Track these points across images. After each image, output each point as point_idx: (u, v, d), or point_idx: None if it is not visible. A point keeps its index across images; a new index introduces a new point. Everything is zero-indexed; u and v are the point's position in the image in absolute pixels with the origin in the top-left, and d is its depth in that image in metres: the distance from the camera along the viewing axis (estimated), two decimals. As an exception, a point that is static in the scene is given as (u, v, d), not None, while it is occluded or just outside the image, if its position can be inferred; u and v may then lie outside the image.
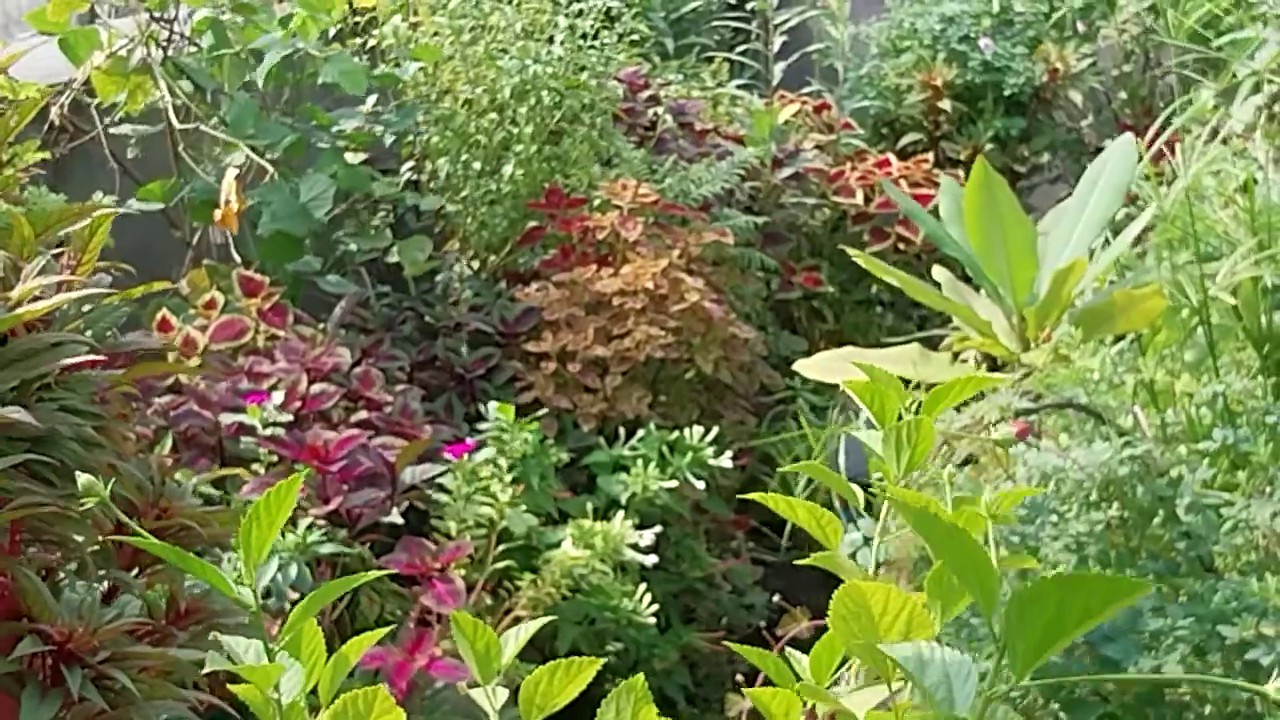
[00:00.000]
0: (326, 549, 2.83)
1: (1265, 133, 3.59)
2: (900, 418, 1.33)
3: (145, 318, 3.44)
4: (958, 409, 2.94)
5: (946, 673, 0.90)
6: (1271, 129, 3.68)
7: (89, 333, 1.58)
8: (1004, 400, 2.68)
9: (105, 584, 1.59)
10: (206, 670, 0.98)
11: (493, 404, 3.32)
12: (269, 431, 3.04)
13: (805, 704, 1.23)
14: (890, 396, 1.33)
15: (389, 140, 4.11)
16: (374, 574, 1.11)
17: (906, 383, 1.38)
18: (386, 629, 1.22)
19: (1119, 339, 3.20)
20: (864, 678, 1.32)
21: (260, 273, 3.58)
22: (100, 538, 1.54)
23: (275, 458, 3.00)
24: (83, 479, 1.00)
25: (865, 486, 1.45)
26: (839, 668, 1.23)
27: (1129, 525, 2.47)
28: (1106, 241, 3.43)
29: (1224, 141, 3.45)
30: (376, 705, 1.07)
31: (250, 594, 0.97)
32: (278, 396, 3.12)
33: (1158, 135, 3.59)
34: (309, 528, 2.84)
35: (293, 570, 2.76)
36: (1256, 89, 3.58)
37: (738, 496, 2.01)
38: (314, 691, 1.08)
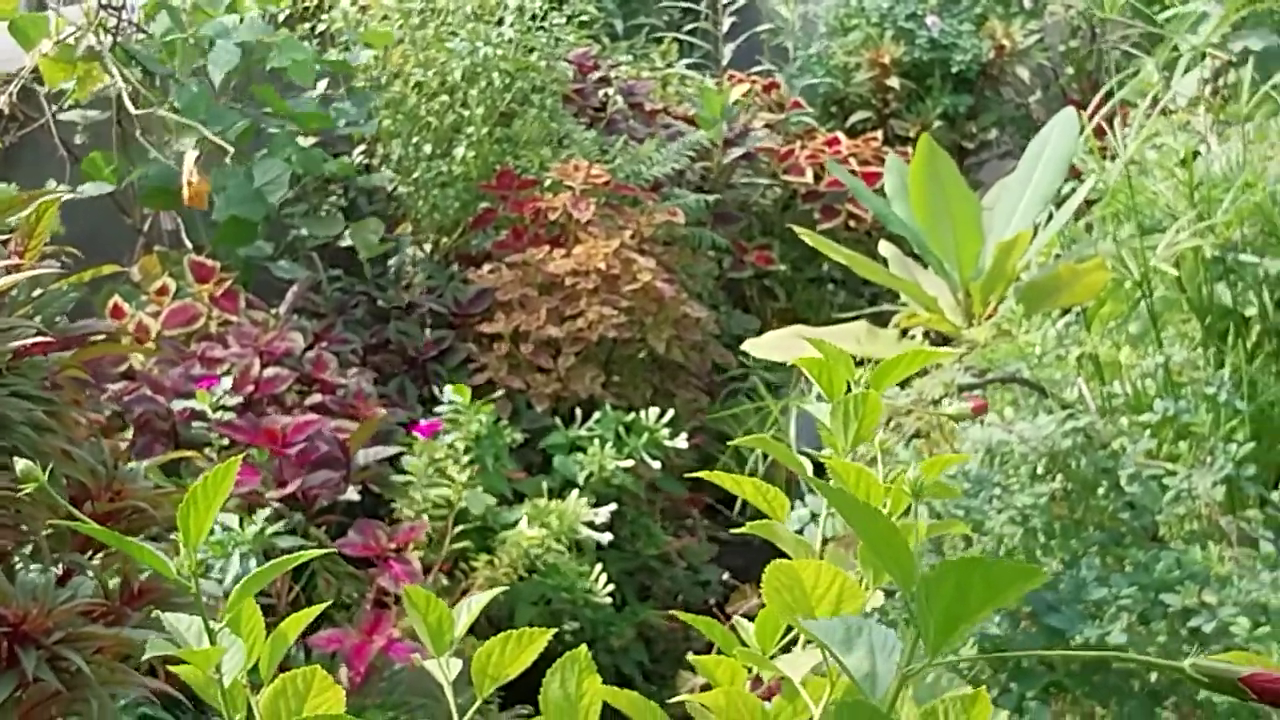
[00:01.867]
0: (286, 542, 2.85)
1: (1208, 106, 3.63)
2: (849, 391, 1.35)
3: (97, 304, 3.44)
4: (902, 385, 2.98)
5: (872, 648, 0.93)
6: (1214, 102, 3.72)
7: (38, 318, 1.59)
8: (948, 376, 2.71)
9: (60, 566, 1.60)
10: (148, 656, 0.99)
11: (448, 386, 3.33)
12: (220, 416, 3.05)
13: (751, 671, 1.26)
14: (838, 371, 1.36)
15: (342, 123, 4.12)
16: (319, 551, 1.13)
17: (856, 360, 1.40)
18: (325, 604, 1.24)
19: (1065, 312, 3.23)
20: (813, 644, 1.35)
21: (212, 258, 3.58)
22: (54, 521, 1.56)
23: (228, 442, 3.01)
24: (21, 464, 1.01)
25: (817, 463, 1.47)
26: (784, 637, 1.25)
27: (1073, 497, 2.51)
28: (1050, 216, 3.46)
29: (1166, 114, 3.49)
30: (315, 684, 1.09)
31: (190, 575, 0.98)
32: (228, 381, 3.13)
33: (1099, 108, 3.62)
34: (268, 518, 2.85)
35: (252, 563, 2.77)
36: (1196, 62, 3.62)
37: (689, 475, 2.03)
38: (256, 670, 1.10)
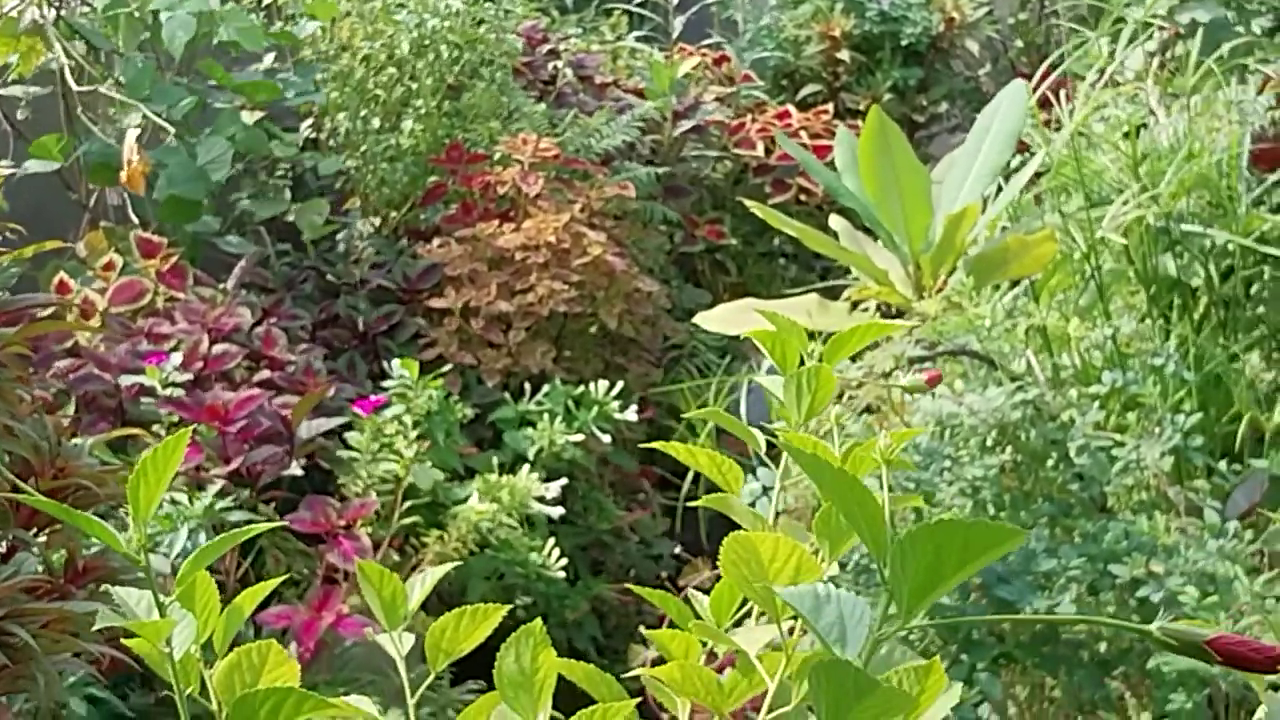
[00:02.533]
0: (235, 516, 2.83)
1: (1156, 78, 3.64)
2: (801, 364, 1.35)
3: (42, 281, 3.41)
4: (853, 359, 2.98)
5: (841, 614, 0.93)
6: (1162, 75, 3.73)
7: (-21, 294, 1.57)
8: (899, 349, 2.71)
9: (3, 544, 1.59)
10: (98, 627, 0.99)
11: (396, 360, 3.32)
12: (169, 392, 3.03)
13: (705, 645, 1.26)
14: (792, 344, 1.36)
15: (291, 93, 4.08)
16: (270, 525, 1.12)
17: (810, 335, 1.40)
18: (281, 578, 1.23)
19: (1015, 285, 3.24)
20: (767, 618, 1.35)
21: (159, 234, 3.56)
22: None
23: (176, 418, 2.99)
24: (-38, 440, 1.00)
25: (768, 435, 1.47)
26: (739, 610, 1.25)
27: (1022, 468, 2.52)
28: (1000, 188, 3.47)
29: (1114, 87, 3.50)
30: (270, 658, 1.08)
31: (139, 549, 0.97)
32: (177, 357, 3.11)
33: (1044, 79, 3.64)
34: (217, 494, 2.84)
35: (201, 537, 2.75)
36: (1143, 34, 3.63)
37: (640, 446, 2.04)
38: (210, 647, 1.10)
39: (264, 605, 2.85)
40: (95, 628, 0.93)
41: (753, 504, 1.33)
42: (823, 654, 0.95)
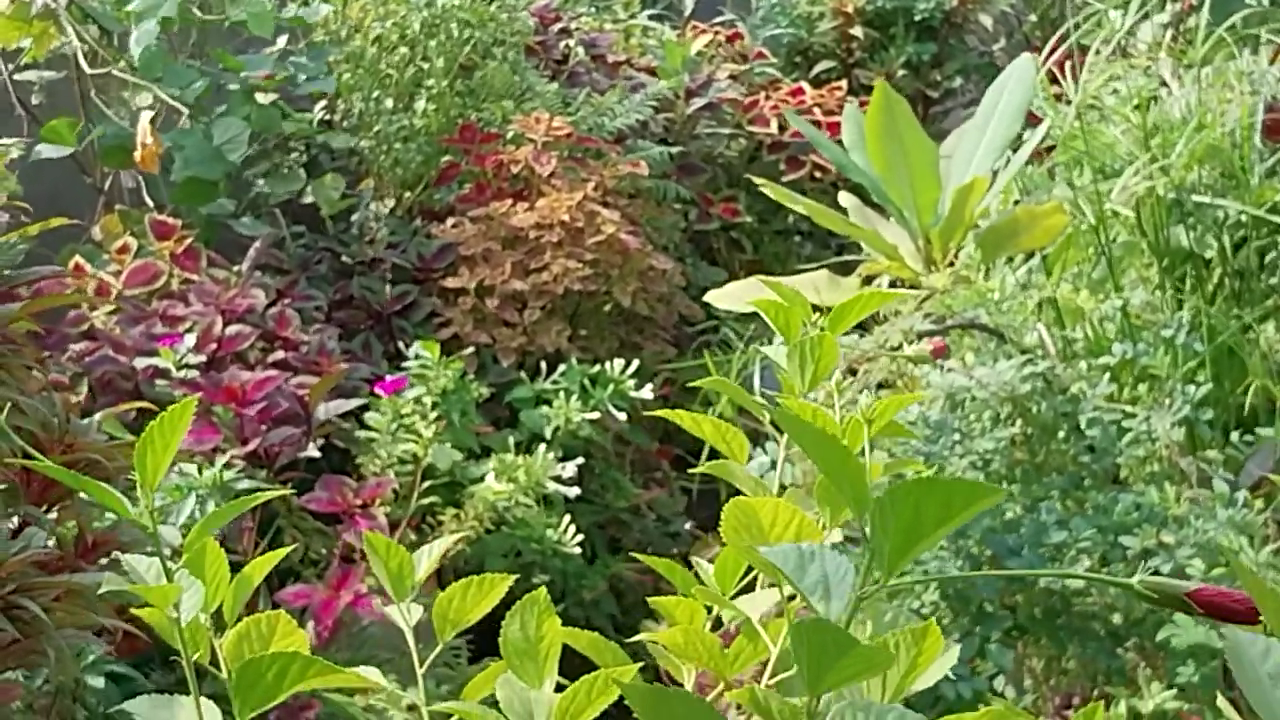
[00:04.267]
0: (244, 484, 2.84)
1: (1169, 50, 3.64)
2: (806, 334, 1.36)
3: (58, 264, 3.43)
4: (862, 334, 2.99)
5: (825, 573, 0.93)
6: (1175, 46, 3.73)
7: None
8: (908, 323, 2.72)
9: (14, 519, 1.60)
10: (104, 591, 1.00)
11: (416, 342, 3.33)
12: (184, 374, 3.05)
13: (710, 613, 1.26)
14: (794, 314, 1.37)
15: (302, 78, 4.09)
16: (278, 491, 1.14)
17: (817, 309, 1.41)
18: (288, 549, 1.25)
19: (1028, 258, 3.24)
20: (771, 584, 1.36)
21: (174, 216, 3.57)
22: (7, 475, 1.56)
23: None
24: (-32, 413, 1.01)
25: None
26: (744, 578, 1.26)
27: (1033, 441, 2.53)
28: (1008, 162, 3.47)
29: (1127, 58, 3.50)
30: (280, 628, 1.09)
31: (147, 515, 0.99)
32: (191, 339, 3.13)
33: (1053, 52, 3.63)
34: (226, 465, 2.85)
35: (210, 507, 2.76)
36: (1157, 6, 3.63)
37: (649, 414, 2.04)
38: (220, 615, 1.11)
39: (282, 585, 2.87)
40: (101, 592, 0.94)
41: (762, 476, 1.34)
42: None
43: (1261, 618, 0.90)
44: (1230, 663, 0.87)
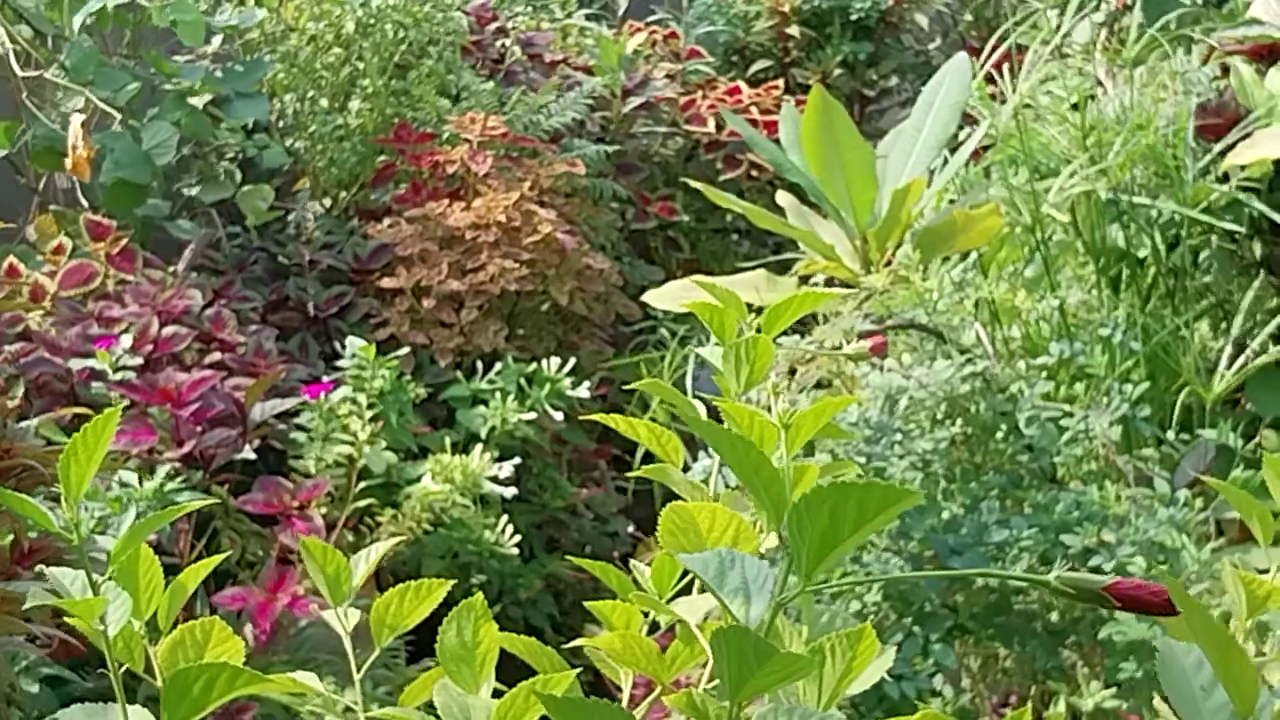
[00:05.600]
0: (184, 496, 2.83)
1: (1104, 50, 3.66)
2: (741, 335, 1.35)
3: (-9, 266, 3.40)
4: (802, 335, 2.99)
5: (745, 579, 0.94)
6: (1110, 46, 3.75)
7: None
8: (847, 324, 2.72)
9: (-53, 528, 1.58)
10: (29, 606, 0.99)
11: (351, 340, 3.31)
12: (120, 376, 3.03)
13: (648, 616, 1.26)
14: (729, 315, 1.36)
15: (235, 95, 4.06)
16: (213, 500, 1.12)
17: (755, 309, 1.41)
18: (225, 554, 1.24)
19: (962, 258, 3.26)
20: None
21: (109, 217, 3.54)
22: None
23: (128, 402, 2.98)
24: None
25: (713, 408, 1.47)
26: (680, 581, 1.26)
27: (972, 440, 2.54)
28: (945, 161, 3.48)
29: (1062, 59, 3.52)
30: (214, 634, 1.09)
31: (72, 527, 0.98)
32: (127, 340, 3.11)
33: (992, 52, 3.65)
34: (167, 475, 2.83)
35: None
36: (1085, 6, 3.65)
37: (585, 418, 2.04)
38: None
39: (219, 587, 2.85)
40: (25, 606, 0.93)
41: (706, 480, 1.33)
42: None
43: (1180, 613, 0.90)
44: (1160, 672, 0.87)
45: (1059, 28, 3.59)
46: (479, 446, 3.32)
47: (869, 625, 1.01)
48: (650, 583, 1.25)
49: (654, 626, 1.26)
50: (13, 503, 0.94)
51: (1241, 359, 2.85)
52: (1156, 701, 1.15)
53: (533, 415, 3.46)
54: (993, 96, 3.46)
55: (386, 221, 3.93)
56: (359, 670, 1.22)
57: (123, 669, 1.07)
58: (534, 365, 3.57)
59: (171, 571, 1.10)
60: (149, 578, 1.06)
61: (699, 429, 0.96)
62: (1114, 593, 0.94)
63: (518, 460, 3.34)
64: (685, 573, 1.24)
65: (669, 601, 1.22)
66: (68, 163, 3.44)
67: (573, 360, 3.59)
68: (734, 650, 0.90)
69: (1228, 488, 1.08)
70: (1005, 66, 3.53)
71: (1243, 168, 2.93)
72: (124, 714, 1.04)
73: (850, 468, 1.29)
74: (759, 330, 1.36)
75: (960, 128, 3.51)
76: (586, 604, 1.25)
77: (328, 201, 4.18)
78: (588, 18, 5.48)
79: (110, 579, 1.02)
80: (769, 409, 1.30)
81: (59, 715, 1.05)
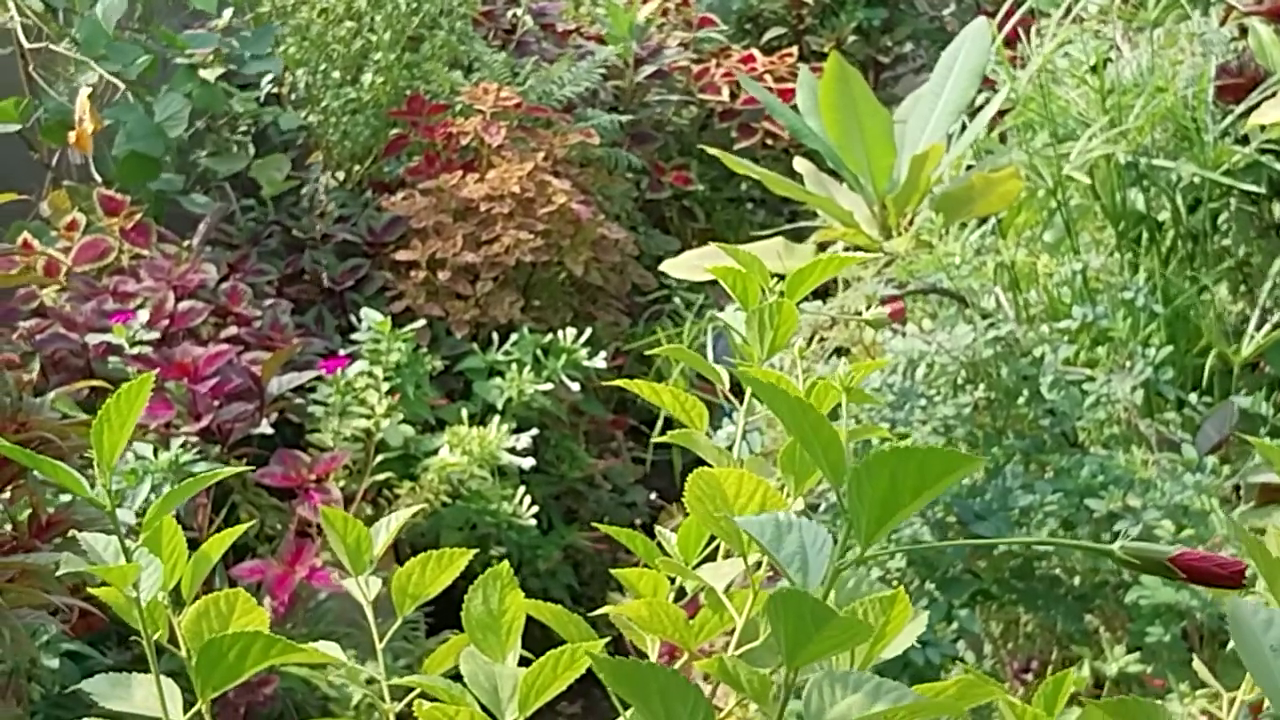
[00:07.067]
0: (200, 467, 2.82)
1: (1120, 13, 3.63)
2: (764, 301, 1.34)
3: (6, 241, 3.39)
4: (824, 300, 2.97)
5: (803, 543, 0.92)
6: (1126, 9, 3.72)
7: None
8: (869, 289, 2.70)
9: (-34, 503, 1.58)
10: (62, 573, 0.98)
11: (366, 313, 3.30)
12: (136, 350, 3.02)
13: (674, 584, 1.25)
14: (752, 280, 1.35)
15: (248, 55, 4.05)
16: (234, 470, 1.11)
17: (776, 275, 1.39)
18: (247, 524, 1.22)
19: (981, 222, 3.23)
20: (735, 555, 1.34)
21: (122, 192, 3.53)
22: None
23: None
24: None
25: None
26: (706, 547, 1.25)
27: (995, 405, 2.52)
28: (964, 126, 3.46)
29: (1078, 22, 3.49)
30: (239, 606, 1.07)
31: (105, 494, 0.97)
32: (144, 315, 3.10)
33: (1008, 17, 3.62)
34: (182, 446, 2.83)
35: (166, 490, 2.74)
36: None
37: (606, 384, 2.02)
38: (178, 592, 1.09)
39: (237, 561, 2.84)
40: (59, 573, 0.92)
41: (729, 447, 1.32)
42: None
43: (1245, 582, 0.88)
44: (1232, 632, 0.86)
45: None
46: (496, 418, 3.31)
47: (902, 591, 0.99)
48: (676, 549, 1.24)
49: (679, 594, 1.25)
50: (47, 469, 0.93)
51: (1270, 324, 2.83)
52: (1197, 665, 1.14)
53: (549, 386, 3.45)
54: (1011, 61, 3.43)
55: (400, 194, 3.91)
56: (381, 640, 1.21)
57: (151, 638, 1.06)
58: (550, 336, 3.56)
59: (191, 546, 1.09)
60: (173, 548, 1.05)
61: (757, 387, 0.94)
62: (1180, 564, 0.92)
63: (535, 431, 3.33)
64: (710, 539, 1.23)
65: (694, 568, 1.21)
66: (72, 136, 3.43)
67: (589, 331, 3.58)
68: (791, 614, 0.88)
69: (1268, 446, 1.06)
70: (1021, 30, 3.50)
71: (1263, 128, 2.90)
72: (158, 681, 1.03)
73: (879, 432, 1.28)
74: (782, 295, 1.34)
75: (979, 92, 3.48)
76: (613, 571, 1.24)
77: (341, 175, 4.16)
78: (601, -14, 5.45)
79: (141, 546, 1.01)
80: (791, 374, 1.29)
81: (85, 685, 1.04)
